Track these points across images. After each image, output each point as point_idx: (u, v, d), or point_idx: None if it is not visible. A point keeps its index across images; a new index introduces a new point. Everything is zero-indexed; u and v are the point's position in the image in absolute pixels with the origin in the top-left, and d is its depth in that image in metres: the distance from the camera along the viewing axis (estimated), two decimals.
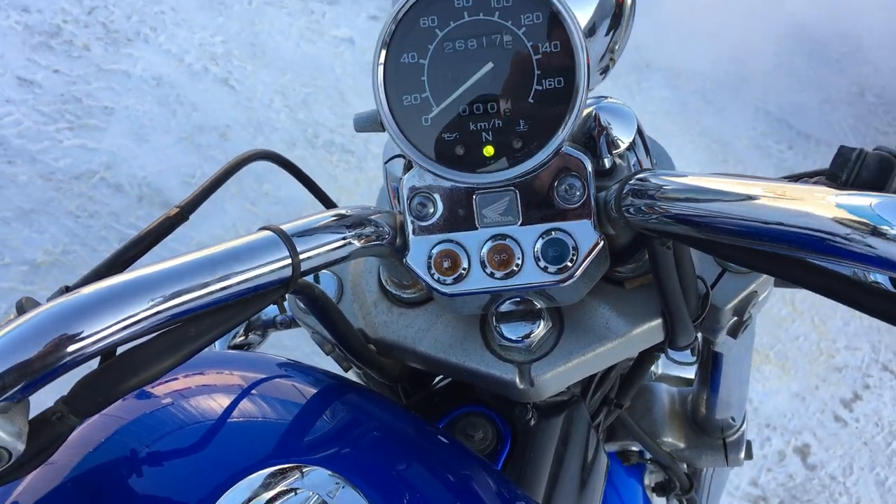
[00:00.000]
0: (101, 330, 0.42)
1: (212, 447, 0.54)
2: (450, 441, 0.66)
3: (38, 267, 2.21)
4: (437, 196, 0.59)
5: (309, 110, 2.93)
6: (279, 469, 0.50)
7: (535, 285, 0.58)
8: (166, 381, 0.61)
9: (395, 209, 0.75)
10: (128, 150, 2.55)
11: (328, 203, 0.84)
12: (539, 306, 0.63)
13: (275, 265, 0.50)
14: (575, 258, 0.57)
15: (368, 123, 0.65)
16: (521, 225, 0.58)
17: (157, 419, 0.56)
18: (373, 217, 0.59)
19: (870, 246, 0.39)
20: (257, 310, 0.51)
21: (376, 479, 0.53)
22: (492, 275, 0.58)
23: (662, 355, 1.02)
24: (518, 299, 0.63)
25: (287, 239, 0.51)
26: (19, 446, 0.41)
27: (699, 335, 0.87)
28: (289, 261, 0.50)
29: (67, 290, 0.58)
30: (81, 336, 0.42)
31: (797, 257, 0.45)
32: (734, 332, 0.68)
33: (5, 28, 2.72)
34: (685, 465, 1.04)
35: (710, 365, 0.86)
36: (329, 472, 0.51)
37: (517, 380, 0.64)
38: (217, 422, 0.56)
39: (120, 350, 0.46)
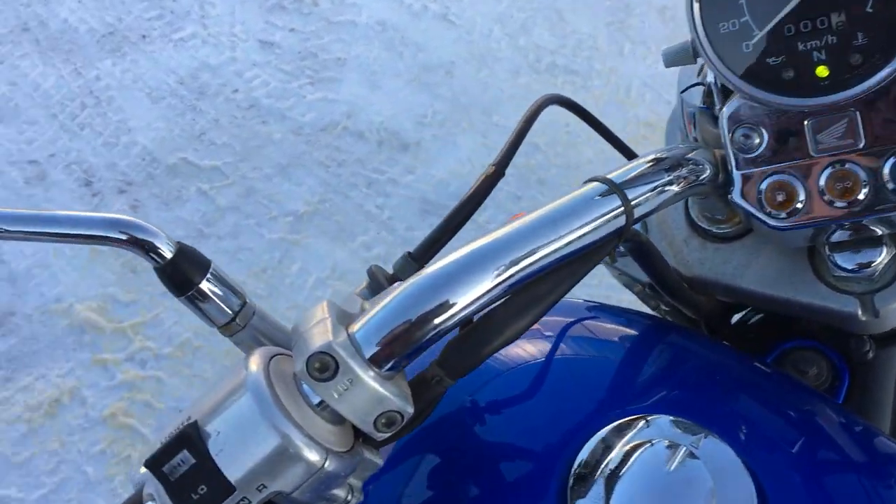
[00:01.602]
0: (464, 299, 0.45)
1: (554, 405, 0.56)
2: (788, 377, 0.64)
3: (301, 217, 2.39)
4: (762, 125, 0.56)
5: (528, 35, 2.89)
6: (623, 423, 0.51)
7: (890, 212, 0.54)
8: None
9: (691, 137, 0.73)
10: (363, 99, 2.67)
11: (625, 149, 0.82)
12: (879, 233, 0.59)
13: (609, 216, 0.50)
14: None
15: (679, 56, 0.63)
16: (865, 148, 0.54)
17: (496, 377, 0.59)
18: (690, 156, 0.57)
19: None
20: (597, 262, 0.52)
21: (729, 423, 0.52)
22: (832, 204, 0.55)
23: None
24: (868, 228, 0.59)
25: (618, 189, 0.51)
26: (409, 409, 0.45)
27: None
28: (622, 209, 0.50)
29: (411, 257, 0.62)
30: (448, 306, 0.44)
31: None
32: None
33: None
34: None
35: None
36: (674, 419, 0.51)
37: (859, 312, 0.61)
38: (551, 377, 0.58)
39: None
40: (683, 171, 0.56)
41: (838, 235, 0.59)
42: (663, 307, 0.81)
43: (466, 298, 0.45)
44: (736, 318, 0.81)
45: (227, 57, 2.73)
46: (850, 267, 0.60)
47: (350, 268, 2.30)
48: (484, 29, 2.90)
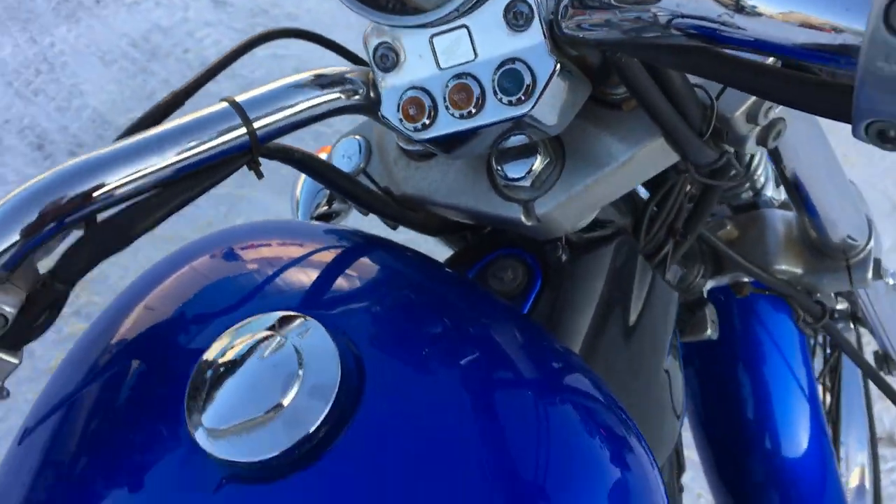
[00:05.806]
0: (73, 200, 0.50)
1: (219, 299, 0.59)
2: (469, 287, 0.66)
3: None
4: (398, 44, 0.59)
5: None
6: (242, 324, 0.54)
7: (497, 121, 0.57)
8: (211, 250, 0.67)
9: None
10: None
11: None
12: (534, 140, 0.62)
13: (231, 134, 0.54)
14: (532, 87, 0.55)
15: None
16: (477, 60, 0.57)
17: (180, 282, 0.63)
18: (348, 75, 0.61)
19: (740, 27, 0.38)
20: (222, 177, 0.56)
21: (363, 328, 0.55)
22: (456, 115, 0.58)
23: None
24: (520, 136, 0.62)
25: (238, 108, 0.54)
26: (8, 310, 0.50)
27: (764, 153, 0.79)
28: (243, 129, 0.54)
29: None
30: (60, 204, 0.50)
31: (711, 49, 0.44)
32: (764, 141, 0.62)
33: None
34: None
35: (794, 187, 0.78)
36: (305, 318, 0.53)
37: (523, 218, 0.64)
38: (226, 278, 0.61)
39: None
40: (335, 90, 0.59)
41: (505, 144, 0.62)
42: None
43: (70, 203, 0.50)
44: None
45: (179, 17, 2.77)
46: (514, 175, 0.62)
47: None
48: None
